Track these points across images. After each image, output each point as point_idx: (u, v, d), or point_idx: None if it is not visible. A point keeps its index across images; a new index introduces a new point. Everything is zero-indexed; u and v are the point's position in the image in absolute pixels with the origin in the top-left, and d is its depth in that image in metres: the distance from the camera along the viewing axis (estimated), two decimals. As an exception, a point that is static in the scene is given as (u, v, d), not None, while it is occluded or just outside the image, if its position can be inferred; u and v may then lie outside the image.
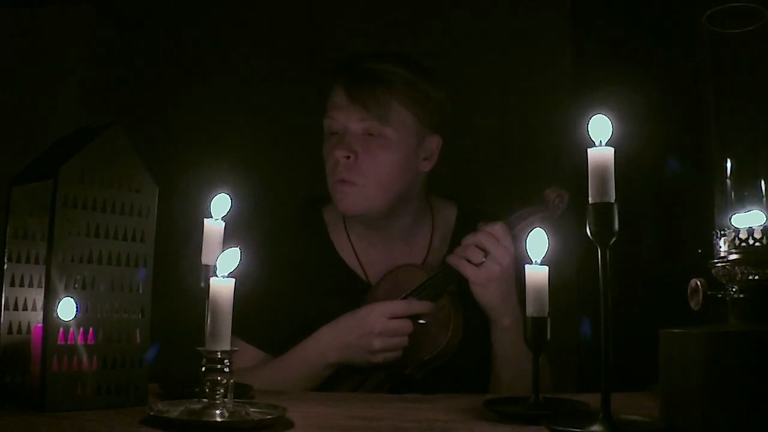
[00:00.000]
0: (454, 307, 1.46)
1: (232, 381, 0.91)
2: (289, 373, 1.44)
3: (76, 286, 0.99)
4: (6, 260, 1.04)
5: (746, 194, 1.00)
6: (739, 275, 0.92)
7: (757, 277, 0.91)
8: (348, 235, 1.60)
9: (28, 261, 1.06)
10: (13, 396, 1.02)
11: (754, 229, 0.92)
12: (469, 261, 1.42)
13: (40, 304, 1.03)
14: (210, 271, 0.93)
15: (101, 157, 1.03)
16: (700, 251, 1.01)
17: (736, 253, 0.93)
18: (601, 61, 2.09)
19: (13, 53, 2.35)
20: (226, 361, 0.90)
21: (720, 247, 0.96)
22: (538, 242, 1.06)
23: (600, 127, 0.87)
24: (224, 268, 0.91)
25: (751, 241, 0.92)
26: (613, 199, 0.86)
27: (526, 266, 1.04)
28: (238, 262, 0.92)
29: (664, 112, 1.91)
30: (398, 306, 1.42)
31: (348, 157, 1.48)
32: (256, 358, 1.50)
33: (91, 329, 1.00)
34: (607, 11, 2.13)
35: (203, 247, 1.09)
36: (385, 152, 1.48)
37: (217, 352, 0.89)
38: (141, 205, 1.06)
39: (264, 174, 2.11)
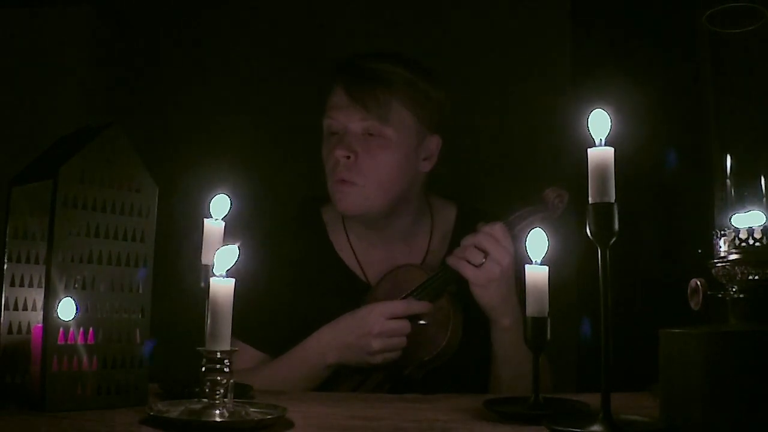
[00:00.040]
0: (453, 308, 1.46)
1: (232, 381, 0.91)
2: (288, 373, 1.44)
3: (76, 286, 0.99)
4: (6, 260, 1.04)
5: (746, 194, 1.00)
6: (739, 275, 0.92)
7: (757, 277, 0.91)
8: (347, 236, 1.60)
9: (28, 261, 1.05)
10: (13, 396, 1.02)
11: (754, 229, 0.92)
12: (468, 262, 1.42)
13: (40, 304, 1.03)
14: (210, 271, 0.93)
15: (101, 157, 1.03)
16: (700, 251, 1.01)
17: (736, 253, 0.93)
18: (601, 61, 2.09)
19: (13, 53, 2.35)
20: (226, 361, 0.90)
21: (720, 247, 0.96)
22: (538, 242, 1.06)
23: (600, 122, 0.87)
24: (222, 265, 0.91)
25: (751, 241, 0.92)
26: (613, 199, 0.85)
27: (526, 266, 1.04)
28: (236, 259, 0.91)
29: (664, 112, 1.91)
30: (397, 306, 1.42)
31: (348, 157, 1.48)
32: (256, 359, 1.50)
33: (91, 329, 1.00)
34: (607, 11, 2.13)
35: (203, 247, 1.09)
36: (385, 152, 1.48)
37: (217, 352, 0.89)
38: (141, 205, 1.06)
39: (264, 174, 2.11)
